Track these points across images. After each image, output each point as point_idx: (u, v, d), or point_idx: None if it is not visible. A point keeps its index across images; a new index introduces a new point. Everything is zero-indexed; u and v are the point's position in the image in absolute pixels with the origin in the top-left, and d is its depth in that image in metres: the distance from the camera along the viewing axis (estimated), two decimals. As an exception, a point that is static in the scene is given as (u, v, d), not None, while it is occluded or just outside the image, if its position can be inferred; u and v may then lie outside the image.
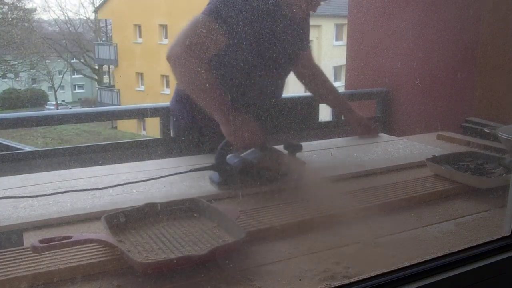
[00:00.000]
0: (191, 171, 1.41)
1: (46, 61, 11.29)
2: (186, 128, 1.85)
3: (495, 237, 1.12)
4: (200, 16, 1.53)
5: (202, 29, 1.53)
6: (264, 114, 1.73)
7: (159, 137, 2.22)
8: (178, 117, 1.91)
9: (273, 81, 1.79)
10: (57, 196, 1.28)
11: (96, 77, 12.57)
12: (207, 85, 1.52)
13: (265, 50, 1.65)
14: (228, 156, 1.40)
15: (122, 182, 1.36)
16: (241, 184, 1.37)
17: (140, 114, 2.47)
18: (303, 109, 2.47)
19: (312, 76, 1.97)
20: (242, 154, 1.43)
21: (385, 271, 0.95)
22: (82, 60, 12.35)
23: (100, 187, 1.33)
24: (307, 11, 1.71)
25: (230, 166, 1.38)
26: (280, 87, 1.85)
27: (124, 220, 1.08)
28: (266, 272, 0.95)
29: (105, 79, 12.57)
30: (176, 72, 1.56)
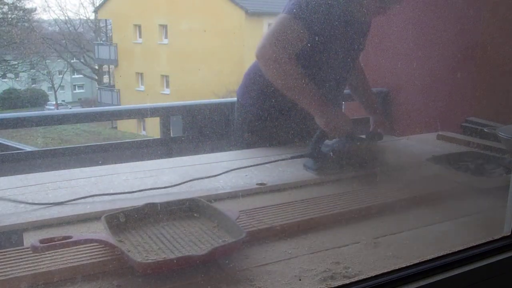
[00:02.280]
0: (291, 158, 1.56)
1: (46, 61, 11.29)
2: (252, 116, 1.89)
3: (495, 237, 1.12)
4: (286, 16, 1.64)
5: (289, 28, 1.63)
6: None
7: (159, 137, 2.22)
8: (245, 104, 1.93)
9: (343, 77, 1.90)
10: (58, 196, 1.28)
11: (96, 77, 12.58)
12: (301, 80, 1.62)
13: (338, 48, 1.76)
14: (322, 144, 1.56)
15: (230, 169, 1.48)
16: (335, 170, 1.52)
17: (140, 114, 2.48)
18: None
19: (358, 73, 2.05)
20: (332, 143, 1.58)
21: (385, 271, 0.95)
22: (82, 60, 12.35)
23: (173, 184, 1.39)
24: (376, 14, 1.83)
25: (325, 154, 1.53)
26: (345, 83, 1.98)
27: (124, 220, 1.08)
28: (266, 272, 0.95)
29: (105, 79, 12.57)
30: (268, 70, 1.65)
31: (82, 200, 1.26)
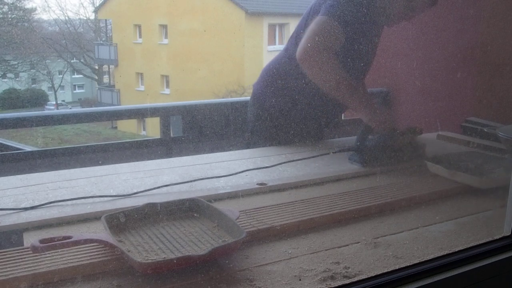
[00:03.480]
0: (338, 151, 1.67)
1: (46, 61, 11.28)
2: (271, 112, 1.93)
3: (495, 237, 1.12)
4: (325, 18, 1.68)
5: (329, 29, 1.68)
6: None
7: (159, 137, 2.22)
8: (264, 100, 1.96)
9: (360, 80, 1.95)
10: (58, 196, 1.28)
11: (96, 77, 12.57)
12: (345, 79, 1.69)
13: (364, 51, 1.86)
14: (367, 138, 1.65)
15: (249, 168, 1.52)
16: (379, 162, 1.60)
17: (140, 114, 2.48)
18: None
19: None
20: (376, 137, 1.68)
21: (385, 271, 0.95)
22: (82, 60, 12.35)
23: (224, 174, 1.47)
24: (400, 21, 1.87)
25: (370, 147, 1.62)
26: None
27: (124, 220, 1.08)
28: (266, 272, 0.95)
29: (105, 79, 12.57)
30: (313, 73, 1.72)
31: (83, 200, 1.26)
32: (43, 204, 1.22)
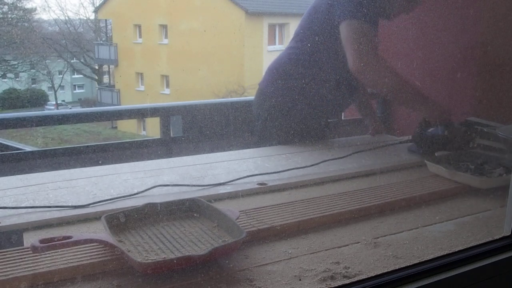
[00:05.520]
0: (400, 142, 1.84)
1: (46, 61, 11.27)
2: (278, 110, 1.95)
3: (495, 237, 1.12)
4: (355, 22, 1.72)
5: (366, 33, 1.73)
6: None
7: (159, 137, 2.22)
8: (268, 96, 1.99)
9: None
10: (58, 197, 1.28)
11: (96, 77, 12.56)
12: (398, 77, 1.78)
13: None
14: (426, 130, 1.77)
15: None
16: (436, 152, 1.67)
17: (140, 114, 2.48)
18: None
19: None
20: (434, 129, 1.78)
21: (385, 271, 0.95)
22: (82, 60, 12.34)
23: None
24: (401, 14, 1.94)
25: (428, 139, 1.75)
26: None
27: (124, 220, 1.08)
28: (266, 272, 0.95)
29: (105, 79, 12.56)
30: (370, 80, 1.81)
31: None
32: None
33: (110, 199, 1.26)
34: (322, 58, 1.85)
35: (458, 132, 1.77)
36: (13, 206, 1.21)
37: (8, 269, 0.90)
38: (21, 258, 0.93)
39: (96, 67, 12.37)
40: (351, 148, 1.91)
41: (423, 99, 1.82)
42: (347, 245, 1.07)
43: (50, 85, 11.68)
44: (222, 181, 1.43)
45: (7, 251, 0.96)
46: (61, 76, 12.05)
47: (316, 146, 1.91)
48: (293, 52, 1.95)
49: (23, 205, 1.22)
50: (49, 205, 1.22)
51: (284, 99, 1.94)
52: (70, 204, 1.23)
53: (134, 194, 1.31)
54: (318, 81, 1.88)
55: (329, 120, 2.13)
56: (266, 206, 1.23)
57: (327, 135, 2.06)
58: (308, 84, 1.88)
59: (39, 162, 1.96)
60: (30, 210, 1.19)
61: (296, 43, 1.93)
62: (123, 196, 1.29)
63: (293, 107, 1.93)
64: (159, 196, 1.32)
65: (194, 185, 1.39)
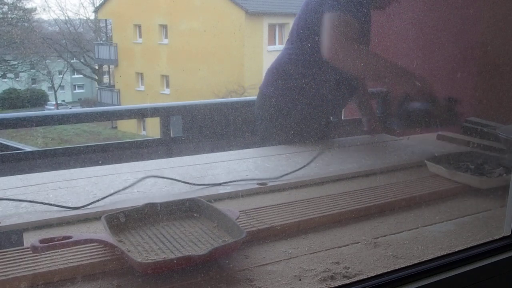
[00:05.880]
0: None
1: (46, 61, 11.26)
2: (274, 111, 1.96)
3: (495, 237, 1.12)
4: (337, 14, 1.74)
5: (345, 23, 1.73)
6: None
7: (159, 137, 2.22)
8: (268, 98, 1.99)
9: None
10: (58, 197, 1.28)
11: (96, 77, 12.56)
12: (375, 58, 1.79)
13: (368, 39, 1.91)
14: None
15: None
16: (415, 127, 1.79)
17: (140, 114, 2.48)
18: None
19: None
20: (415, 105, 1.79)
21: (385, 271, 0.95)
22: (82, 60, 12.33)
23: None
24: (392, 2, 1.95)
25: (408, 114, 1.76)
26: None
27: (124, 220, 1.08)
28: (266, 272, 0.95)
29: (105, 79, 12.55)
30: (347, 65, 1.79)
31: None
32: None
33: (102, 198, 1.26)
34: (318, 56, 1.86)
35: (441, 108, 1.77)
36: (13, 205, 1.21)
37: (8, 269, 0.90)
38: (21, 258, 0.93)
39: (96, 67, 12.36)
40: (351, 148, 1.91)
41: (403, 74, 1.81)
42: (347, 245, 1.07)
43: (50, 85, 11.67)
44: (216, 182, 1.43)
45: (7, 251, 0.96)
46: (61, 76, 12.04)
47: (316, 146, 1.92)
48: (289, 53, 1.95)
49: (23, 205, 1.22)
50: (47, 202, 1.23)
51: (284, 100, 1.94)
52: (70, 204, 1.23)
53: (125, 188, 1.31)
54: (317, 80, 1.89)
55: (330, 120, 2.12)
56: (266, 206, 1.23)
57: (328, 135, 2.06)
58: (307, 84, 1.88)
59: (39, 162, 1.96)
60: (30, 210, 1.19)
61: (291, 43, 1.94)
62: (115, 192, 1.29)
63: (294, 107, 1.93)
64: (150, 191, 1.32)
65: (185, 182, 1.39)
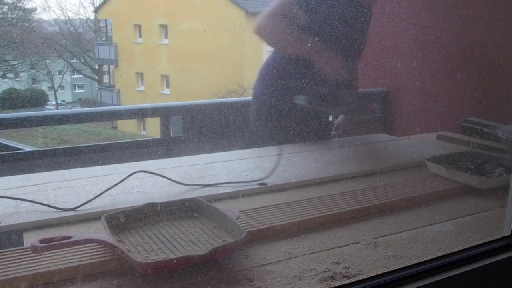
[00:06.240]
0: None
1: (46, 61, 11.24)
2: (268, 111, 1.97)
3: (495, 237, 1.12)
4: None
5: (285, 7, 1.79)
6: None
7: (159, 137, 2.22)
8: (261, 99, 2.00)
9: (344, 64, 1.94)
10: (58, 197, 1.28)
11: (96, 77, 12.54)
12: (302, 40, 1.79)
13: (338, 47, 1.87)
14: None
15: None
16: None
17: (140, 114, 2.48)
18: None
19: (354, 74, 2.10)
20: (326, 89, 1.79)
21: (385, 271, 0.95)
22: (82, 60, 12.31)
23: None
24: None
25: (323, 95, 1.76)
26: (352, 72, 2.03)
27: (124, 220, 1.08)
28: (266, 272, 0.95)
29: (105, 79, 12.53)
30: (266, 39, 1.85)
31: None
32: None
33: (94, 197, 1.26)
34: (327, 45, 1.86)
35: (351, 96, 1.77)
36: (13, 205, 1.21)
37: (8, 269, 0.90)
38: (21, 258, 0.93)
39: (96, 67, 12.35)
40: (351, 148, 1.91)
41: (323, 53, 1.80)
42: (347, 245, 1.07)
43: (50, 85, 11.66)
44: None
45: (7, 251, 0.96)
46: (61, 76, 12.02)
47: (316, 146, 1.92)
48: (277, 52, 1.95)
49: (23, 205, 1.22)
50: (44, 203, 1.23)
51: (277, 100, 1.93)
52: (70, 204, 1.23)
53: (115, 185, 1.32)
54: (307, 78, 1.88)
55: (324, 120, 2.11)
56: (266, 206, 1.23)
57: (327, 135, 2.05)
58: (298, 82, 1.87)
59: (39, 162, 1.96)
60: (30, 209, 1.19)
61: None
62: (104, 191, 1.29)
63: (288, 107, 1.93)
64: (150, 191, 1.32)
65: (174, 181, 1.40)
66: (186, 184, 1.39)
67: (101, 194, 1.27)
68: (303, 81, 1.88)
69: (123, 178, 1.34)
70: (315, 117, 1.98)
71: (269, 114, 1.95)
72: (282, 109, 1.94)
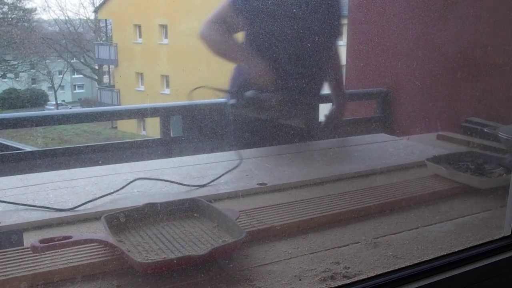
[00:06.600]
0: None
1: (46, 61, 11.23)
2: (243, 106, 1.93)
3: (495, 237, 1.12)
4: (225, 3, 1.85)
5: (223, 14, 1.85)
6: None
7: (159, 137, 2.22)
8: (236, 93, 1.98)
9: (316, 69, 1.96)
10: (58, 197, 1.28)
11: (96, 77, 12.53)
12: (232, 46, 1.86)
13: (298, 38, 1.87)
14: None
15: None
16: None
17: (140, 114, 2.48)
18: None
19: (335, 60, 2.09)
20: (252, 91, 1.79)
21: (385, 271, 0.95)
22: (82, 60, 12.30)
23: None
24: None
25: (250, 97, 1.75)
26: (321, 74, 2.02)
27: (124, 220, 1.08)
28: (266, 272, 0.95)
29: (105, 79, 12.52)
30: (207, 46, 1.87)
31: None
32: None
33: (89, 201, 1.25)
34: (266, 51, 1.86)
35: (268, 99, 1.76)
36: (14, 205, 1.21)
37: (8, 269, 0.90)
38: (21, 258, 0.93)
39: (96, 67, 12.34)
40: (352, 148, 1.91)
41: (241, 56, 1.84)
42: (347, 245, 1.07)
43: (50, 85, 11.65)
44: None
45: (7, 251, 0.96)
46: (61, 76, 12.01)
47: (316, 146, 1.92)
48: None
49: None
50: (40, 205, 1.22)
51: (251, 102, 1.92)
52: (70, 204, 1.23)
53: (114, 191, 1.31)
54: (277, 79, 1.86)
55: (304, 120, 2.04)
56: (266, 206, 1.23)
57: (308, 137, 2.00)
58: (270, 83, 1.85)
59: (39, 162, 1.96)
60: (30, 209, 1.19)
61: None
62: (106, 195, 1.28)
63: (265, 109, 1.89)
64: (150, 191, 1.32)
65: (175, 182, 1.39)
66: (185, 185, 1.39)
67: (95, 199, 1.26)
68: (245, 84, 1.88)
69: (121, 186, 1.33)
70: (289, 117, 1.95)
71: (243, 115, 1.95)
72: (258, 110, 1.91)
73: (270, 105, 1.77)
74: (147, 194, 1.33)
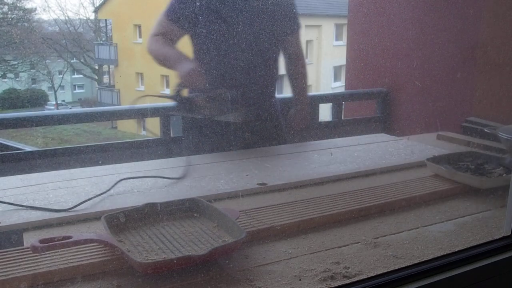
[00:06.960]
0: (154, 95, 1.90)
1: (46, 61, 11.26)
2: (182, 108, 1.92)
3: (495, 237, 1.12)
4: (159, 17, 1.92)
5: (161, 26, 1.90)
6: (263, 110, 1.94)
7: (159, 137, 2.22)
8: (175, 96, 1.95)
9: (259, 65, 1.93)
10: (58, 197, 1.28)
11: (96, 77, 12.55)
12: (172, 55, 1.86)
13: (241, 37, 1.86)
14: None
15: None
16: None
17: (140, 114, 2.48)
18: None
19: (294, 58, 2.05)
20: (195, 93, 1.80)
21: (385, 271, 0.95)
22: (82, 60, 12.32)
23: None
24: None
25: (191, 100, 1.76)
26: (271, 71, 1.98)
27: (124, 220, 1.08)
28: (266, 272, 0.95)
29: (105, 79, 12.54)
30: (153, 59, 1.89)
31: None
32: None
33: (83, 202, 1.24)
34: (211, 51, 1.88)
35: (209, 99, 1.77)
36: (14, 205, 1.21)
37: (8, 269, 0.90)
38: (21, 258, 0.93)
39: (96, 67, 12.35)
40: (352, 148, 1.91)
41: (178, 61, 1.83)
42: (347, 245, 1.07)
43: (50, 85, 11.67)
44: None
45: (7, 251, 0.96)
46: (61, 76, 12.03)
47: (316, 146, 1.92)
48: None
49: (23, 205, 1.22)
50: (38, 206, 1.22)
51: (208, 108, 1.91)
52: (70, 204, 1.23)
53: (103, 192, 1.31)
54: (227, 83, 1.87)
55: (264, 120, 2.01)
56: (266, 206, 1.23)
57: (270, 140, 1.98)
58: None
59: (39, 162, 1.96)
60: (30, 209, 1.19)
61: None
62: (94, 196, 1.28)
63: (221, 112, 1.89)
64: (150, 191, 1.32)
65: (159, 177, 1.39)
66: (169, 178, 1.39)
67: (87, 200, 1.26)
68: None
69: (108, 188, 1.33)
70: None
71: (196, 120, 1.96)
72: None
73: (202, 103, 1.77)
74: (148, 194, 1.33)
